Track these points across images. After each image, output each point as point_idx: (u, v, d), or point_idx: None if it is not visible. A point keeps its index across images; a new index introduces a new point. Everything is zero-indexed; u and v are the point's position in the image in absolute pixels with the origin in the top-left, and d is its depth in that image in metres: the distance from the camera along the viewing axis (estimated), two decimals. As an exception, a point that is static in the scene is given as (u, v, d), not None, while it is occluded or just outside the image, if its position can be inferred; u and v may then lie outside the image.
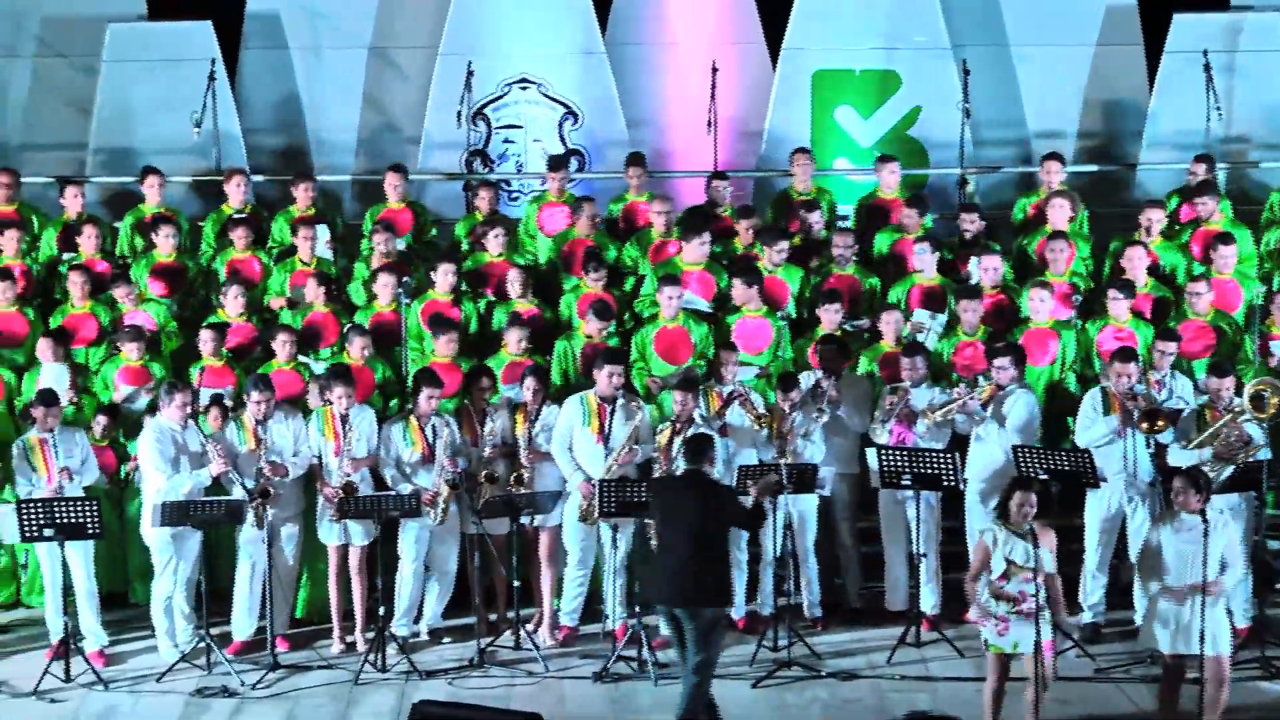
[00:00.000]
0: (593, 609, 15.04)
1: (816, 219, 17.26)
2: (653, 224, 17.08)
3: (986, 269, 16.30)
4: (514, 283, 16.29)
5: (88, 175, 18.64)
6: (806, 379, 15.15)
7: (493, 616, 15.17)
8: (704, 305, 16.26)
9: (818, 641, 14.74)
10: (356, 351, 15.50)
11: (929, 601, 14.98)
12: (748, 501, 13.21)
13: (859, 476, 15.24)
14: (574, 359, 15.77)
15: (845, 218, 17.91)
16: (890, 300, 16.32)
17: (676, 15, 19.58)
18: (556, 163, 17.83)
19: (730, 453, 14.83)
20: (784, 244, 16.51)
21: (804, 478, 14.54)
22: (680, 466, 14.08)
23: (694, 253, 16.45)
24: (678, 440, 14.41)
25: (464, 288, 16.54)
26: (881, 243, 17.11)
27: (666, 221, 17.00)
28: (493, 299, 16.51)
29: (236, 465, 14.54)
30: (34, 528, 14.03)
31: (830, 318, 15.77)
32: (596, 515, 14.42)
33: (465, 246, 17.32)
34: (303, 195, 17.45)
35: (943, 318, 16.03)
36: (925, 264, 16.40)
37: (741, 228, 17.04)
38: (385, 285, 16.17)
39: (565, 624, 15.05)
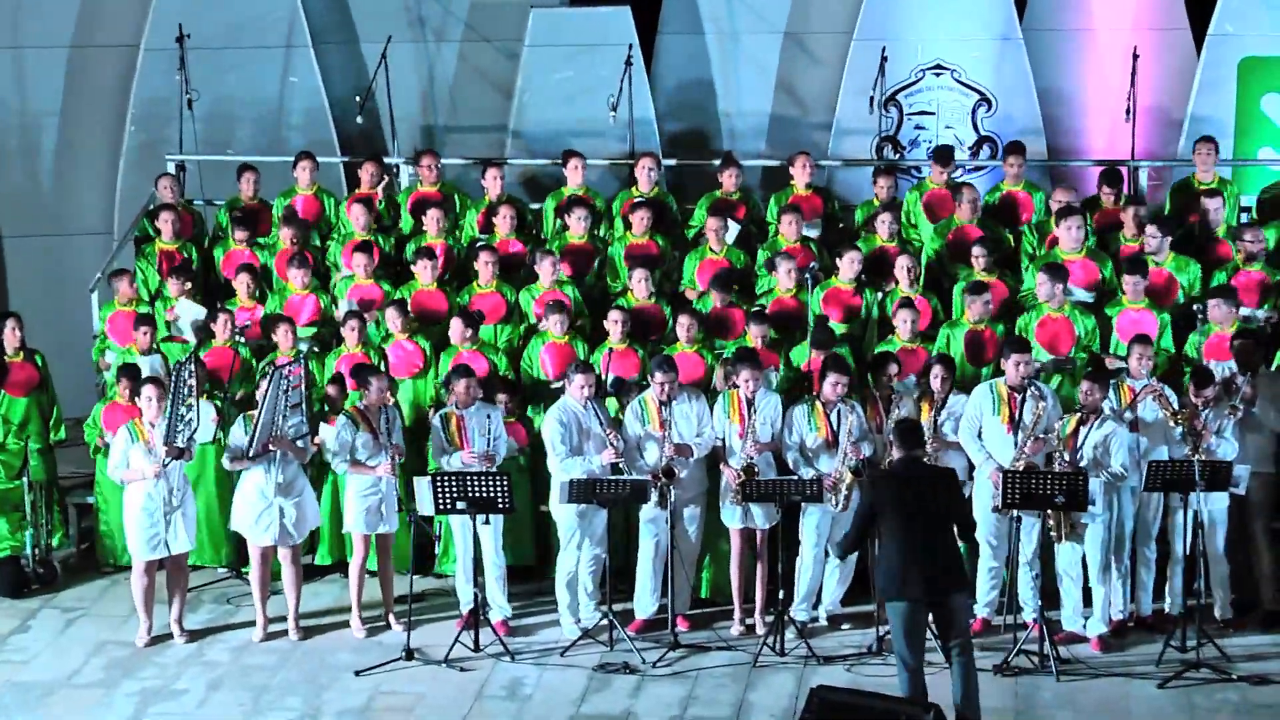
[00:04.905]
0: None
1: (1216, 208, 16.69)
2: (1051, 212, 16.72)
3: None
4: (902, 270, 16.11)
5: (507, 158, 19.05)
6: (1220, 372, 14.73)
7: (893, 605, 15.13)
8: (1084, 295, 15.87)
9: (1228, 644, 14.31)
10: (754, 338, 15.54)
11: (1350, 606, 14.49)
12: None
13: (1276, 476, 14.72)
14: (957, 345, 15.55)
15: (1249, 209, 17.34)
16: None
17: (1097, 0, 19.21)
18: (944, 156, 17.47)
19: (1143, 449, 14.47)
20: (1153, 229, 16.00)
21: (1217, 475, 14.07)
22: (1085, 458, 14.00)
23: (1064, 239, 16.08)
24: (1083, 430, 14.18)
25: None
26: (1269, 237, 16.45)
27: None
28: (889, 287, 16.30)
29: (639, 446, 14.72)
30: (447, 500, 14.41)
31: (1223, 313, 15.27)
32: (1002, 506, 14.23)
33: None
34: (728, 180, 17.48)
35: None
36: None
37: (1127, 216, 16.58)
38: (786, 271, 16.16)
39: (980, 615, 14.84)
